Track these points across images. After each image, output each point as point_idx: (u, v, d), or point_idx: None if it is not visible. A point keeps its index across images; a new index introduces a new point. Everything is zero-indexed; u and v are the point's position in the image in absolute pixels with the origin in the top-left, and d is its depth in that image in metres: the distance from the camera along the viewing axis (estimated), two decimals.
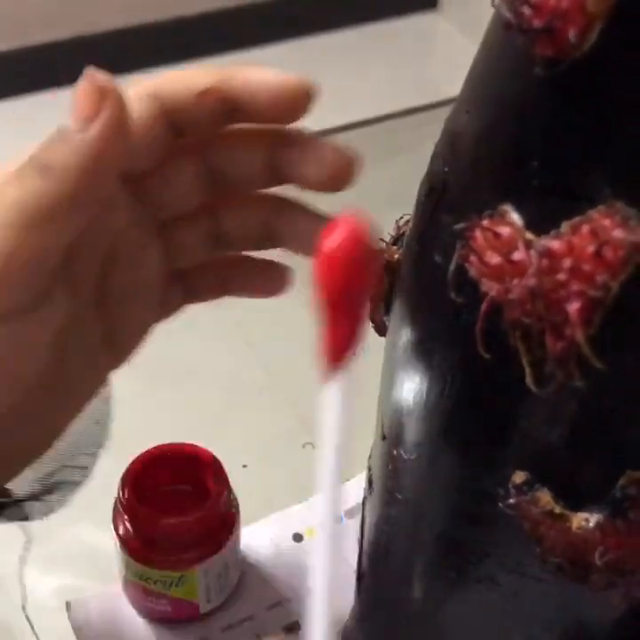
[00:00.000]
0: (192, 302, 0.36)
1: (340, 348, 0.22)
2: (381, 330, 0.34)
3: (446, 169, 0.28)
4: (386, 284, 0.33)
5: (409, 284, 0.31)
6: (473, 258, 0.26)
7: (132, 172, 0.31)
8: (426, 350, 0.29)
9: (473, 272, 0.26)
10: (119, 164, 0.28)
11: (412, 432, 0.31)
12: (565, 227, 0.24)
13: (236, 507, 0.47)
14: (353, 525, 0.42)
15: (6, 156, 0.29)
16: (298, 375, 0.53)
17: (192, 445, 0.47)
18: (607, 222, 0.23)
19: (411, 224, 0.32)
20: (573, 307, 0.24)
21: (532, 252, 0.24)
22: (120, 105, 0.28)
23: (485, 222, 0.25)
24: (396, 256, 0.33)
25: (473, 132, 0.26)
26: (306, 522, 0.51)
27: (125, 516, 0.45)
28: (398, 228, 0.34)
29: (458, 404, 0.28)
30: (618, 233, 0.23)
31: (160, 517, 0.44)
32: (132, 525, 0.45)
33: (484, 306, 0.26)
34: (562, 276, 0.24)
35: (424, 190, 0.30)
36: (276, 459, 0.55)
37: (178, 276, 0.35)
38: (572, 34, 0.22)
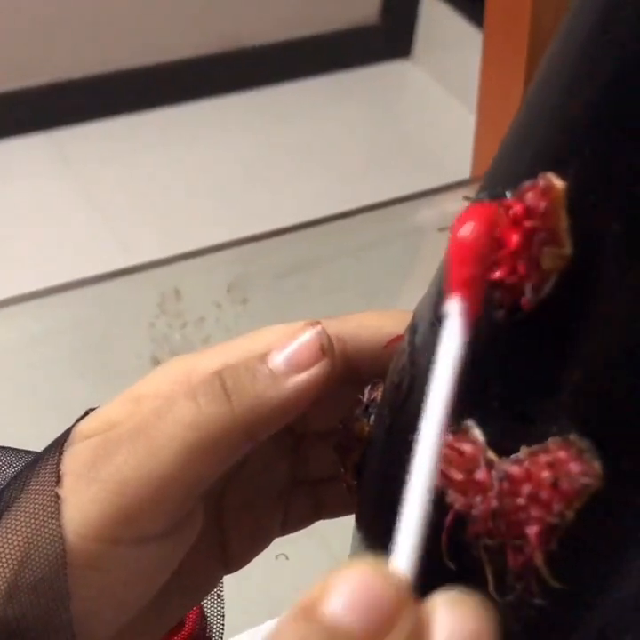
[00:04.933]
0: (322, 517, 0.35)
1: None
2: (352, 492, 0.36)
3: (412, 374, 0.29)
4: (357, 453, 0.34)
5: (380, 463, 0.32)
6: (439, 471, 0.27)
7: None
8: None
9: (439, 483, 0.27)
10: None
11: None
12: (524, 453, 0.25)
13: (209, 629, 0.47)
14: None
15: None
16: None
17: None
18: (563, 454, 0.25)
19: (381, 397, 0.33)
20: (532, 530, 0.25)
21: (494, 474, 0.26)
22: (334, 367, 0.29)
23: (449, 438, 0.27)
24: (367, 428, 0.34)
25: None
26: None
27: None
28: (369, 394, 0.35)
29: None
30: (573, 466, 0.25)
31: None
32: None
33: (449, 517, 0.27)
34: (521, 501, 0.25)
35: (392, 382, 0.31)
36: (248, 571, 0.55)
37: (307, 487, 0.34)
38: (528, 288, 0.24)
